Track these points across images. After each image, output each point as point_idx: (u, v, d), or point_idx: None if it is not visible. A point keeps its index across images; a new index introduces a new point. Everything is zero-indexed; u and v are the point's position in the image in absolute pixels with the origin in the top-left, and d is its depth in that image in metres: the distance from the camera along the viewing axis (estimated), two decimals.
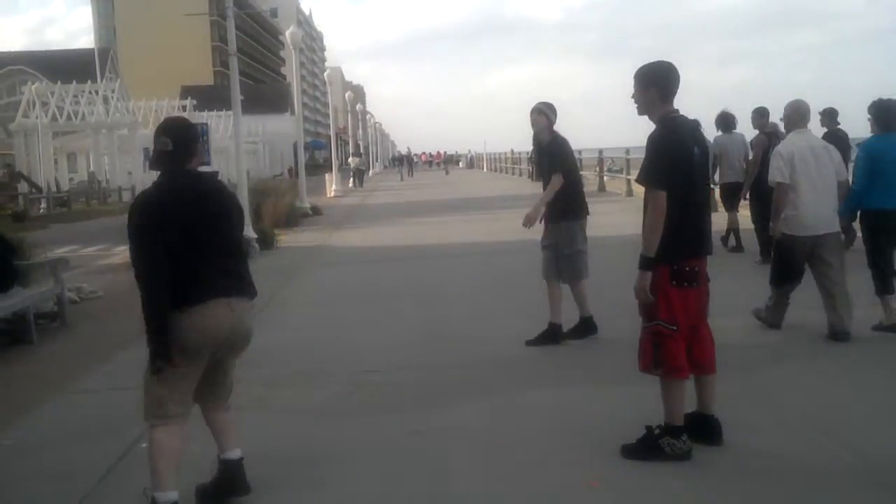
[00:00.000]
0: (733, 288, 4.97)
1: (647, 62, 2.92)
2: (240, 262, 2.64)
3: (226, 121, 32.15)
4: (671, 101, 2.87)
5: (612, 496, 2.65)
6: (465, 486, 2.78)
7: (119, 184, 27.75)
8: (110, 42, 58.99)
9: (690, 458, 2.80)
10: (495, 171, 36.16)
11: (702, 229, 2.91)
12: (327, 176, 24.58)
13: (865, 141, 4.81)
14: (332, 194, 22.32)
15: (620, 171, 18.10)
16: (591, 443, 3.04)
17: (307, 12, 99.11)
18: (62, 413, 3.95)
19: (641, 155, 2.97)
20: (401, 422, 3.42)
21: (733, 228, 7.65)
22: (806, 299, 4.57)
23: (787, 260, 4.46)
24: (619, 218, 10.33)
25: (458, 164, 51.52)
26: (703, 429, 2.92)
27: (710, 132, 7.36)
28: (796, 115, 4.53)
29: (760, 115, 7.03)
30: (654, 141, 2.83)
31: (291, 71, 29.46)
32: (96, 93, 31.00)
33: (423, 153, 58.85)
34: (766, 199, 5.08)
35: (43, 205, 22.55)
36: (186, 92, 43.07)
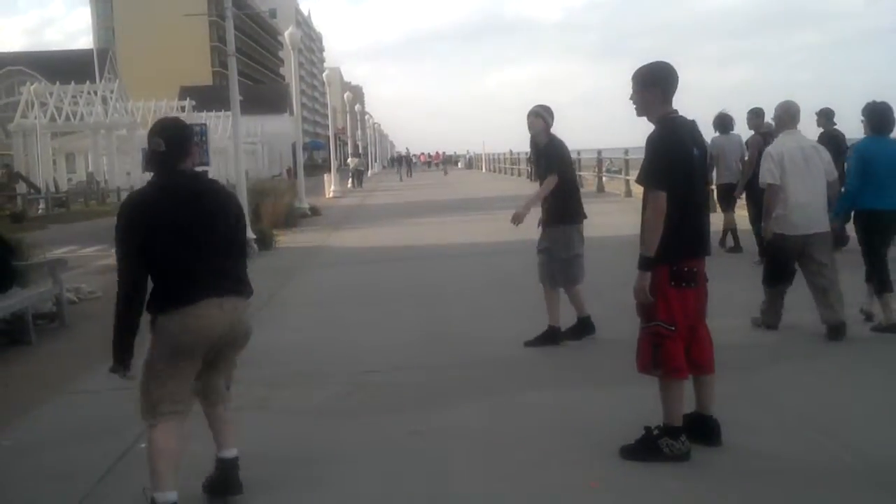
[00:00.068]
0: (732, 288, 4.98)
1: (645, 63, 2.93)
2: (236, 261, 2.63)
3: (224, 121, 32.13)
4: (670, 102, 2.88)
5: (612, 497, 2.65)
6: (464, 486, 2.79)
7: (118, 184, 27.71)
8: (109, 43, 58.91)
9: (689, 459, 2.81)
10: (494, 171, 36.17)
11: (701, 230, 2.91)
12: (326, 176, 24.58)
13: (858, 142, 4.87)
14: (331, 195, 22.32)
15: (619, 172, 18.13)
16: (590, 443, 3.04)
17: (306, 13, 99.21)
18: (61, 413, 3.95)
19: (640, 156, 2.98)
20: (400, 422, 3.43)
21: (731, 229, 7.68)
22: (803, 300, 4.59)
23: (780, 259, 4.51)
24: (617, 218, 10.34)
25: (457, 165, 51.54)
26: (702, 429, 2.92)
27: (708, 133, 7.40)
28: (786, 115, 4.58)
29: (756, 115, 7.08)
30: (653, 142, 2.83)
31: (290, 71, 29.44)
32: (95, 93, 30.98)
33: (422, 154, 58.86)
34: (761, 199, 5.12)
35: (41, 205, 22.52)
36: (185, 92, 43.05)
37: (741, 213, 7.77)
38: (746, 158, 7.13)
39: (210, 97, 40.08)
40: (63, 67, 37.99)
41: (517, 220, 4.56)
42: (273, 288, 6.97)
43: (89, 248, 11.69)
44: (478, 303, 6.10)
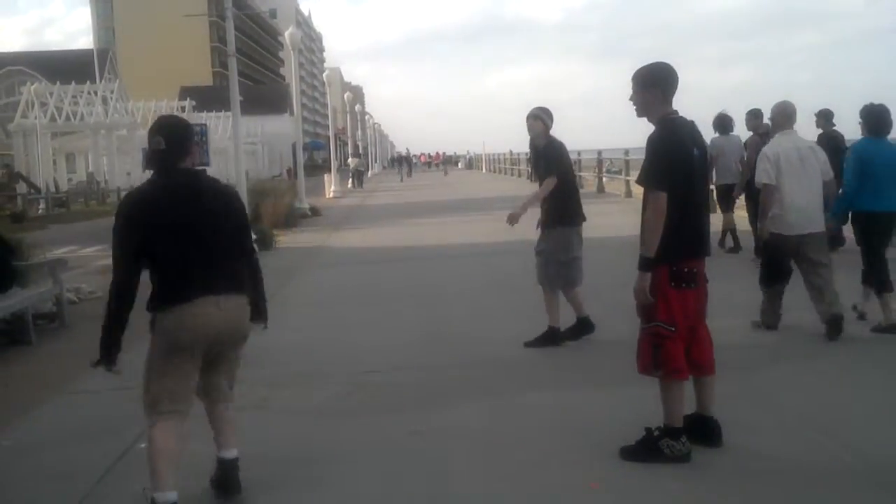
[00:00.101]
0: (731, 289, 4.98)
1: (645, 64, 2.93)
2: (236, 260, 2.62)
3: (225, 121, 32.15)
4: (670, 103, 2.88)
5: (612, 498, 2.65)
6: (464, 486, 2.79)
7: (118, 184, 27.70)
8: (109, 43, 58.92)
9: (690, 460, 2.80)
10: (494, 171, 36.17)
11: (701, 230, 2.91)
12: (326, 177, 24.59)
13: (856, 143, 4.89)
14: (331, 195, 22.32)
15: (619, 173, 18.13)
16: (590, 444, 3.04)
17: (306, 13, 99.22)
18: (61, 413, 3.95)
19: (641, 156, 2.97)
20: (400, 422, 3.42)
21: (730, 229, 7.70)
22: (802, 300, 4.59)
23: (776, 259, 4.53)
24: (617, 219, 10.34)
25: (457, 165, 51.53)
26: (703, 430, 2.92)
27: (708, 133, 7.41)
28: (782, 116, 4.60)
29: (755, 116, 7.10)
30: (653, 142, 2.83)
31: (290, 72, 29.46)
32: (95, 93, 30.99)
33: (422, 154, 58.90)
34: (759, 199, 5.14)
35: (42, 205, 22.52)
36: (185, 93, 43.07)
37: (741, 214, 7.77)
38: (745, 159, 7.14)
39: (210, 97, 40.10)
40: (63, 67, 38.00)
41: (512, 220, 4.55)
42: (273, 288, 6.92)
43: (89, 249, 11.69)
44: (478, 303, 6.10)
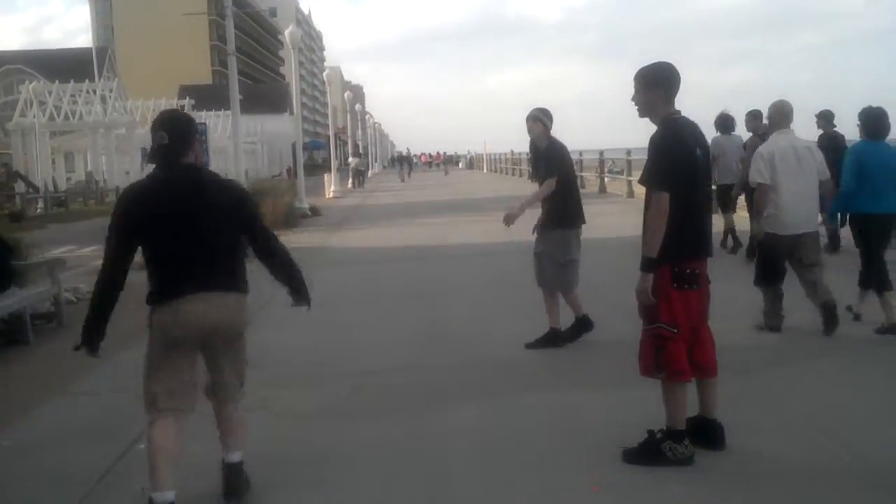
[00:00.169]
0: (733, 290, 4.97)
1: (646, 64, 2.91)
2: (234, 256, 2.61)
3: (224, 120, 32.14)
4: (673, 102, 2.86)
5: (614, 500, 2.64)
6: (464, 488, 2.77)
7: (116, 183, 27.63)
8: (108, 41, 58.91)
9: (692, 463, 2.79)
10: (495, 171, 36.17)
11: (703, 231, 2.90)
12: (326, 176, 24.57)
13: (854, 144, 4.95)
14: (331, 195, 22.30)
15: (621, 173, 18.12)
16: (591, 446, 3.03)
17: (306, 12, 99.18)
18: (60, 414, 3.94)
19: (642, 156, 2.96)
20: (400, 423, 3.42)
21: (730, 229, 7.71)
22: (803, 301, 4.60)
23: (770, 258, 4.54)
24: (619, 219, 10.34)
25: (458, 165, 51.52)
26: (706, 433, 2.91)
27: (709, 133, 7.41)
28: (779, 115, 4.62)
29: (754, 117, 7.14)
30: (655, 142, 2.82)
31: (290, 70, 29.44)
32: (94, 92, 30.95)
33: (423, 154, 58.89)
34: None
35: (40, 205, 22.50)
36: (185, 91, 43.02)
37: (742, 214, 7.77)
38: (744, 159, 7.15)
39: (210, 96, 40.08)
40: (62, 66, 37.94)
41: (509, 221, 4.52)
42: (273, 288, 6.94)
43: (88, 248, 11.66)
44: (478, 303, 6.09)
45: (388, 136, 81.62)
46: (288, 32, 19.59)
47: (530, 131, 4.56)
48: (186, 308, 2.48)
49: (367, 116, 54.95)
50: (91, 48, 46.63)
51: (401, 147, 68.79)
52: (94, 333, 2.52)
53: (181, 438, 2.55)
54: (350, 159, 30.95)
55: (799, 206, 4.41)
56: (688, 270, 2.79)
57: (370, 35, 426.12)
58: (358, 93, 77.02)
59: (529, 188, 5.47)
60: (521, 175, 27.26)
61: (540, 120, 4.51)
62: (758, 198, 4.52)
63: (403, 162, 38.63)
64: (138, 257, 2.58)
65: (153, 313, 2.53)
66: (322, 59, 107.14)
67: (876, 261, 4.59)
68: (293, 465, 3.01)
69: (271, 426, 3.44)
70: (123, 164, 30.12)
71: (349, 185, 27.37)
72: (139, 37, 59.50)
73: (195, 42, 62.04)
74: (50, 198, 23.29)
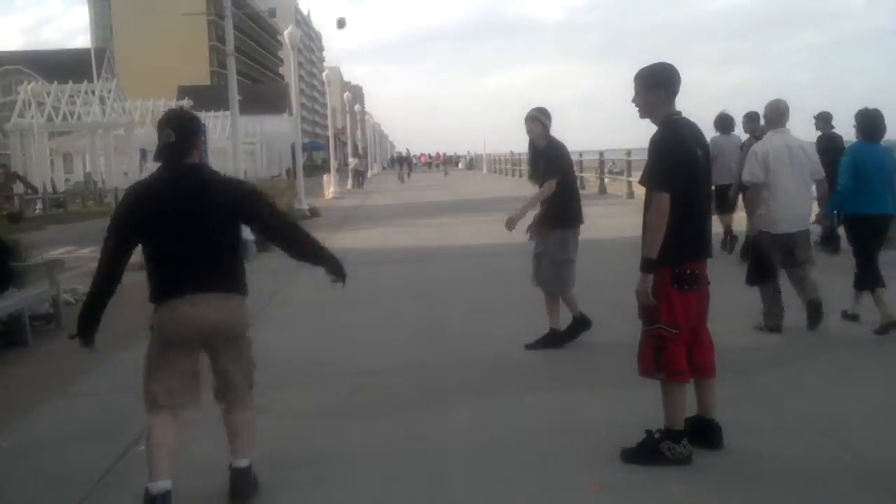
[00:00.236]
0: (733, 291, 4.97)
1: (646, 65, 2.91)
2: (234, 255, 2.63)
3: (223, 121, 32.14)
4: (673, 103, 2.87)
5: (612, 500, 2.64)
6: (464, 488, 2.78)
7: (115, 184, 27.55)
8: (107, 42, 58.89)
9: (691, 463, 2.80)
10: (495, 172, 36.18)
11: (703, 232, 2.90)
12: (325, 177, 24.57)
13: (851, 145, 4.98)
14: (331, 195, 22.29)
15: (621, 173, 18.14)
16: (590, 446, 3.03)
17: (305, 12, 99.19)
18: (59, 415, 3.94)
19: (642, 157, 2.96)
20: (400, 423, 3.42)
21: (727, 227, 7.76)
22: (802, 302, 4.60)
23: (763, 257, 4.57)
24: (619, 220, 10.34)
25: (458, 166, 51.51)
26: (704, 433, 2.91)
27: (708, 133, 7.43)
28: (774, 114, 4.66)
29: (751, 119, 7.21)
30: (656, 143, 2.82)
31: (289, 71, 29.44)
32: (93, 93, 30.92)
33: (423, 155, 58.88)
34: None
35: (39, 206, 22.48)
36: (183, 92, 43.01)
37: (742, 214, 7.78)
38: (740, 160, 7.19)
39: (208, 97, 40.04)
40: (60, 66, 37.89)
41: (511, 224, 4.52)
42: (273, 289, 6.96)
43: (86, 249, 11.65)
44: (478, 304, 6.09)
45: (387, 137, 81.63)
46: (287, 33, 19.59)
47: (529, 131, 4.55)
48: (185, 308, 2.50)
49: (366, 117, 54.96)
50: (90, 49, 46.56)
51: (400, 147, 68.90)
52: (89, 324, 2.56)
53: (177, 434, 2.58)
54: (350, 160, 30.95)
55: (792, 204, 4.47)
56: (688, 271, 2.79)
57: (369, 35, 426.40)
58: (357, 93, 77.06)
59: (529, 188, 5.47)
60: (520, 175, 27.27)
61: (538, 120, 4.51)
62: (750, 196, 4.57)
63: (403, 162, 38.63)
64: (138, 257, 2.59)
65: (154, 313, 2.55)
66: (321, 60, 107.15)
67: (870, 259, 4.64)
68: (293, 465, 3.01)
69: (272, 426, 3.44)
70: (122, 164, 30.11)
71: (349, 186, 27.36)
72: (138, 37, 59.49)
73: (194, 43, 62.03)
74: (48, 199, 23.27)
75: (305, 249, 2.77)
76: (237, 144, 11.74)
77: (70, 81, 30.54)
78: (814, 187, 4.79)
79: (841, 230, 5.48)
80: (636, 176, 8.64)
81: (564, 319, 4.57)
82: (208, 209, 2.52)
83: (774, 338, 4.55)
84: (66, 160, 33.15)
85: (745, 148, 7.15)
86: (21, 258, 6.48)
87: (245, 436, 2.69)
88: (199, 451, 3.03)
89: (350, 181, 28.24)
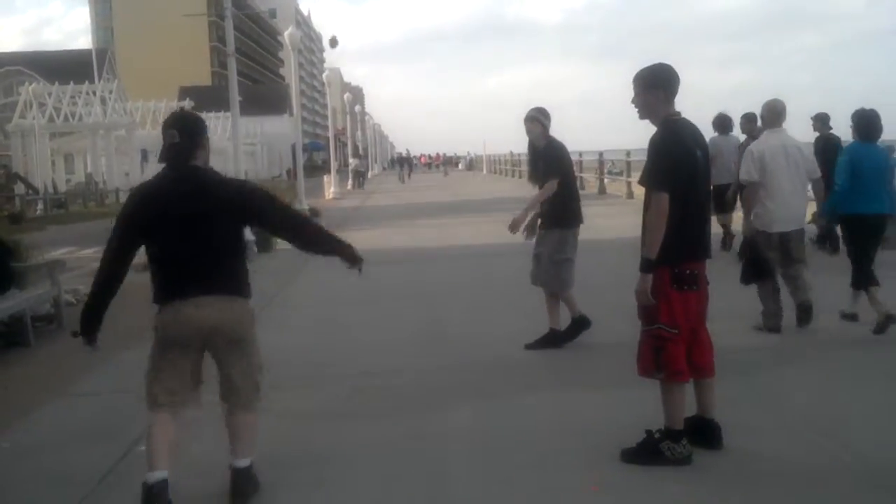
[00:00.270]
0: (732, 291, 4.98)
1: (645, 66, 2.92)
2: (237, 257, 2.64)
3: (224, 122, 32.17)
4: (673, 104, 2.87)
5: (612, 500, 2.65)
6: (464, 488, 2.78)
7: (116, 185, 27.67)
8: (108, 43, 58.97)
9: (691, 463, 2.80)
10: (495, 172, 36.19)
11: (702, 232, 2.91)
12: (326, 178, 24.59)
13: (848, 146, 5.02)
14: (331, 196, 22.31)
15: (621, 174, 18.14)
16: (590, 446, 3.04)
17: (306, 13, 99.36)
18: (60, 415, 3.94)
19: (642, 157, 2.96)
20: (400, 423, 3.43)
21: (724, 226, 7.79)
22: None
23: (758, 255, 4.60)
24: (618, 220, 10.35)
25: (458, 166, 51.53)
26: (704, 433, 2.92)
27: (707, 133, 7.44)
28: (771, 114, 4.69)
29: (748, 120, 7.25)
30: (655, 143, 2.82)
31: (290, 72, 29.46)
32: (94, 94, 30.97)
33: (423, 155, 58.90)
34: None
35: (40, 206, 22.50)
36: (184, 93, 43.07)
37: (740, 214, 7.79)
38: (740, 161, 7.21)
39: (209, 97, 40.09)
40: (62, 67, 37.95)
41: (515, 227, 4.53)
42: (274, 289, 6.97)
43: (88, 250, 11.66)
44: (478, 304, 6.10)
45: (387, 138, 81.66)
46: (287, 34, 19.60)
47: (529, 132, 4.56)
48: (188, 311, 2.51)
49: (366, 118, 54.97)
50: (91, 50, 46.67)
51: (400, 148, 68.89)
52: (91, 323, 2.58)
53: (178, 432, 2.62)
54: (350, 160, 30.97)
55: (788, 204, 4.51)
56: (687, 271, 2.80)
57: (370, 36, 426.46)
58: (357, 94, 77.12)
59: (529, 189, 5.47)
60: (520, 176, 27.27)
61: (538, 120, 4.51)
62: (746, 195, 4.62)
63: (403, 163, 38.64)
64: (140, 258, 2.61)
65: (157, 314, 2.58)
66: (322, 61, 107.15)
67: (865, 258, 4.68)
68: (293, 465, 3.02)
69: (272, 427, 3.44)
70: (123, 165, 30.17)
71: (349, 187, 27.38)
72: (139, 38, 59.54)
73: (195, 43, 62.08)
74: (49, 199, 23.30)
75: (314, 239, 2.79)
76: (238, 145, 11.75)
77: (71, 82, 30.60)
78: (810, 187, 4.82)
79: (838, 230, 5.50)
80: (636, 176, 8.64)
81: (564, 320, 4.58)
82: (212, 211, 2.53)
83: (774, 338, 4.55)
84: (68, 161, 33.19)
85: (742, 148, 7.18)
86: (22, 259, 6.50)
87: (246, 437, 2.69)
88: (199, 451, 3.04)
89: (350, 182, 28.26)
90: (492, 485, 2.78)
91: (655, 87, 2.85)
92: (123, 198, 24.96)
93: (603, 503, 2.65)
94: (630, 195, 15.19)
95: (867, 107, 4.87)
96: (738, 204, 7.75)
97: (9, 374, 4.93)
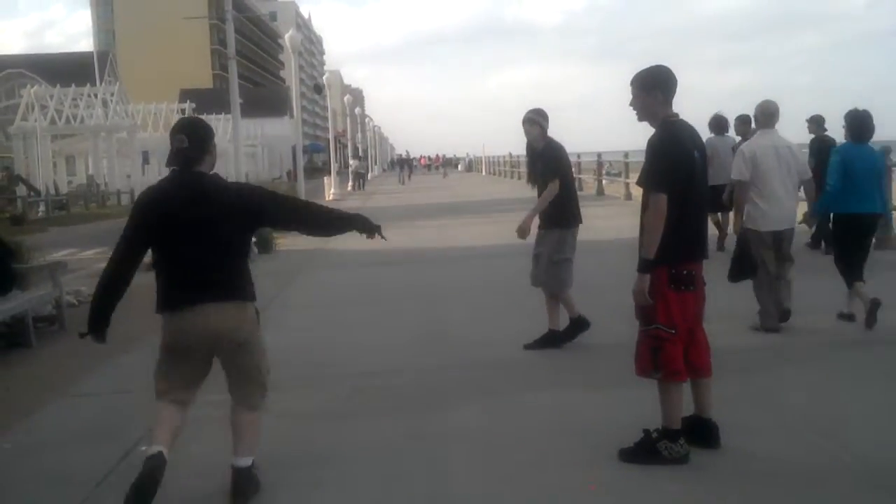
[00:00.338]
0: (730, 291, 4.99)
1: (643, 68, 2.94)
2: (241, 261, 2.67)
3: (225, 124, 32.20)
4: (671, 105, 2.89)
5: (610, 499, 2.66)
6: (464, 487, 2.79)
7: (118, 187, 27.74)
8: (109, 45, 59.02)
9: (688, 462, 2.81)
10: (494, 174, 36.21)
11: (700, 233, 2.92)
12: (326, 179, 24.63)
13: (840, 146, 5.08)
14: (331, 197, 22.34)
15: (619, 175, 18.17)
16: (588, 445, 3.05)
17: (306, 16, 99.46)
18: (62, 416, 3.96)
19: (640, 158, 2.98)
20: (400, 423, 3.44)
21: (716, 223, 7.82)
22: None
23: (746, 253, 4.64)
24: (617, 221, 10.36)
25: (457, 168, 51.56)
26: (701, 432, 2.93)
27: (703, 134, 7.46)
28: (763, 115, 4.75)
29: (743, 122, 7.30)
30: (653, 144, 2.84)
31: (290, 74, 29.53)
32: (95, 96, 31.03)
33: (422, 157, 58.94)
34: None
35: (41, 208, 22.54)
36: (185, 95, 43.17)
37: None
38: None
39: (210, 100, 40.17)
40: (63, 70, 38.00)
41: (523, 233, 4.53)
42: (274, 290, 6.99)
43: (89, 251, 11.68)
44: (477, 304, 6.11)
45: (387, 139, 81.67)
46: (288, 36, 19.67)
47: (527, 134, 4.57)
48: (192, 319, 2.55)
49: (366, 119, 55.02)
50: (92, 52, 46.71)
51: (400, 150, 68.91)
52: (97, 322, 2.60)
53: (183, 416, 2.68)
54: (350, 162, 31.01)
55: (779, 203, 4.56)
56: (685, 272, 2.81)
57: (370, 39, 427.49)
58: (358, 96, 77.10)
59: (528, 191, 5.48)
60: (519, 177, 27.29)
61: (536, 122, 4.52)
62: (736, 194, 4.67)
63: (403, 165, 38.66)
64: (146, 258, 2.64)
65: (163, 320, 2.63)
66: (322, 63, 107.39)
67: (849, 256, 4.73)
68: (294, 466, 3.03)
69: (272, 427, 3.45)
70: (125, 167, 30.23)
71: (349, 188, 27.42)
72: (140, 41, 59.66)
73: (196, 46, 62.20)
74: (51, 201, 23.33)
75: (324, 222, 2.81)
76: (239, 147, 11.78)
77: (73, 85, 30.67)
78: (801, 187, 4.86)
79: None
80: (634, 178, 8.68)
81: (564, 321, 4.59)
82: (215, 217, 2.55)
83: (771, 337, 4.56)
84: (69, 163, 33.26)
85: (736, 149, 7.21)
86: (24, 260, 6.51)
87: (248, 436, 2.71)
88: (199, 451, 3.05)
89: (350, 183, 28.29)
90: (491, 483, 2.80)
91: (653, 88, 2.87)
92: (125, 200, 25.13)
93: (601, 502, 2.66)
94: (628, 196, 15.21)
95: (870, 107, 4.92)
96: None
97: (10, 374, 4.94)
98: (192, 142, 2.58)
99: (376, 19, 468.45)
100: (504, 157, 34.54)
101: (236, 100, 10.95)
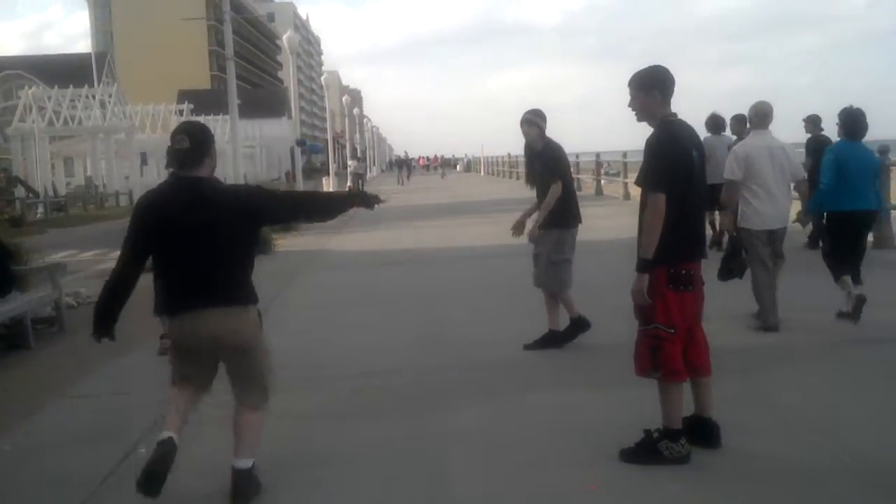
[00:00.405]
0: (730, 291, 5.00)
1: (641, 68, 2.94)
2: (242, 265, 2.67)
3: (223, 125, 32.17)
4: (669, 105, 2.89)
5: (611, 499, 2.66)
6: (464, 487, 2.79)
7: (116, 188, 27.72)
8: (107, 46, 59.01)
9: (689, 462, 2.81)
10: (492, 174, 36.22)
11: (698, 233, 2.93)
12: (324, 180, 24.63)
13: (834, 144, 5.11)
14: None
15: (617, 175, 18.19)
16: (589, 446, 3.05)
17: (304, 17, 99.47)
18: (61, 418, 3.95)
19: (639, 158, 2.99)
20: (400, 424, 3.44)
21: (711, 223, 7.84)
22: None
23: (737, 252, 4.67)
24: (615, 221, 10.36)
25: (456, 168, 51.59)
26: (702, 432, 2.93)
27: (700, 133, 7.47)
28: (758, 116, 4.78)
29: (738, 121, 7.32)
30: (651, 144, 2.84)
31: (288, 75, 29.53)
32: (93, 97, 31.02)
33: (421, 157, 58.92)
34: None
35: (40, 209, 22.53)
36: (183, 96, 43.17)
37: None
38: None
39: (208, 101, 40.14)
40: (61, 71, 37.98)
41: (532, 238, 4.54)
42: (273, 291, 6.97)
43: (88, 253, 11.66)
44: (477, 305, 6.11)
45: (386, 140, 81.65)
46: (286, 37, 19.64)
47: (525, 134, 4.57)
48: (193, 323, 2.57)
49: (365, 120, 55.02)
50: (90, 53, 46.72)
51: (399, 150, 68.96)
52: (103, 321, 2.61)
53: (195, 402, 2.75)
54: (349, 163, 31.00)
55: (772, 202, 4.59)
56: (683, 271, 2.81)
57: (368, 40, 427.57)
58: (356, 97, 77.07)
59: (526, 191, 5.48)
60: (517, 178, 27.30)
61: (535, 123, 4.52)
62: (728, 193, 4.70)
63: (402, 165, 38.66)
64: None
65: (168, 322, 2.69)
66: (320, 64, 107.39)
67: (839, 252, 4.76)
68: (293, 466, 3.03)
69: (272, 427, 3.44)
70: (123, 168, 30.21)
71: (348, 189, 27.42)
72: (138, 42, 59.62)
73: (194, 47, 62.16)
74: (50, 202, 23.31)
75: (325, 208, 2.87)
76: (237, 148, 11.79)
77: (71, 86, 30.66)
78: (794, 187, 4.89)
79: None
80: (632, 178, 8.71)
81: (564, 321, 4.59)
82: (214, 221, 2.55)
83: (771, 337, 4.56)
84: (67, 164, 33.24)
85: (731, 149, 7.24)
86: (23, 262, 6.51)
87: (249, 437, 2.71)
88: (199, 451, 3.05)
89: (349, 184, 28.27)
90: (492, 484, 2.79)
91: (652, 88, 2.87)
92: (123, 201, 25.09)
93: (602, 502, 2.66)
94: (627, 196, 15.23)
95: (869, 107, 4.95)
96: None
97: (9, 376, 4.93)
98: (192, 143, 2.58)
99: (374, 20, 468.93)
100: (502, 157, 34.56)
101: (234, 101, 10.96)
